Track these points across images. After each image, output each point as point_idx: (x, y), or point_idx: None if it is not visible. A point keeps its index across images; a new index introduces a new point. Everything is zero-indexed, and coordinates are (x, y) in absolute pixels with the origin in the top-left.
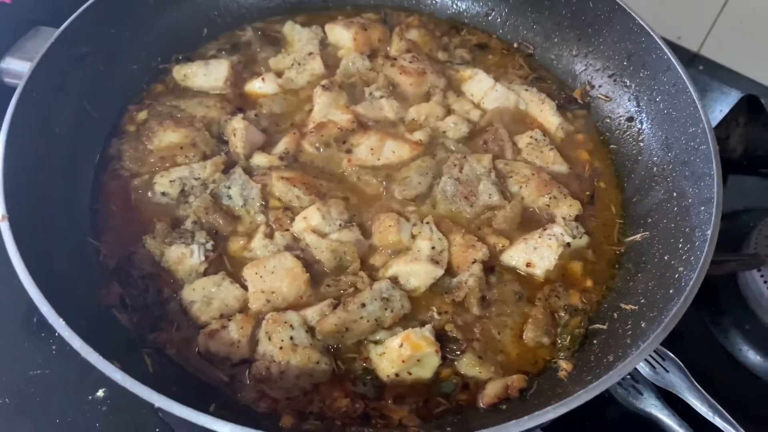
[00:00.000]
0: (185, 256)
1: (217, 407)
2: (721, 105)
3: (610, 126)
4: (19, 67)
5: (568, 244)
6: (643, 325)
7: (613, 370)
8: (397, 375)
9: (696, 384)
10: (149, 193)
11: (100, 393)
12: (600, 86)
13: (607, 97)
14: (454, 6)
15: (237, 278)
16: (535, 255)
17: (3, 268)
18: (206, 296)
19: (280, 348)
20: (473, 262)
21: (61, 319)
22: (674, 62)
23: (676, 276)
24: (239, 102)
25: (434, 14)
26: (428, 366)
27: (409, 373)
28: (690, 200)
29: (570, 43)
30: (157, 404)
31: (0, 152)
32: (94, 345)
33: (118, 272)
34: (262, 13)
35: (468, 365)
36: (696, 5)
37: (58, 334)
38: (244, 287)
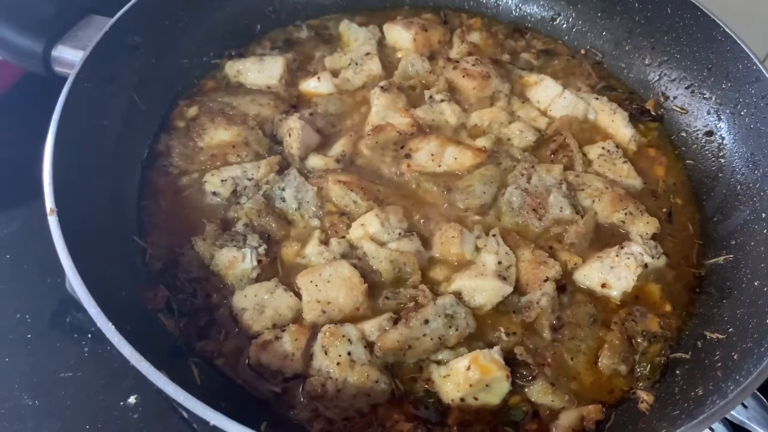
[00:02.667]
0: (236, 260)
1: (269, 426)
2: None
3: (686, 140)
4: (71, 56)
5: (646, 265)
6: (735, 357)
7: (714, 407)
8: (462, 400)
9: None
10: (199, 192)
11: (132, 400)
12: (675, 98)
13: (683, 109)
14: (518, 9)
15: (290, 286)
16: (612, 275)
17: (37, 267)
18: (258, 304)
19: (338, 364)
20: (545, 281)
21: (110, 324)
22: (765, 73)
23: None
24: (293, 101)
25: (496, 17)
26: (497, 392)
27: (476, 399)
28: None
29: (643, 51)
30: (212, 422)
31: (49, 144)
32: (141, 352)
33: (165, 274)
34: (318, 11)
35: (540, 392)
36: (759, 16)
37: (91, 336)
38: (298, 296)
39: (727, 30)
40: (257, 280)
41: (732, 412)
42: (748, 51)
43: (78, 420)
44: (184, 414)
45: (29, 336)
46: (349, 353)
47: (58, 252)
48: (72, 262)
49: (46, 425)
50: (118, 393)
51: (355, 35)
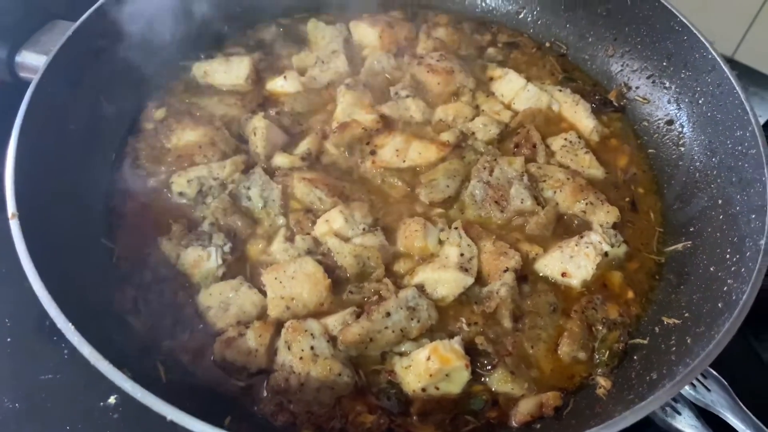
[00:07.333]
0: (202, 259)
1: (233, 420)
2: (759, 111)
3: (648, 129)
4: (35, 61)
5: (606, 254)
6: (688, 341)
7: (660, 390)
8: (423, 390)
9: (741, 404)
10: (166, 193)
11: (112, 400)
12: (637, 88)
13: (644, 99)
14: (483, 3)
15: (256, 283)
16: (572, 264)
17: (16, 270)
18: (223, 302)
19: (300, 358)
20: (505, 271)
21: (70, 324)
22: (719, 62)
23: (725, 289)
24: (260, 100)
25: (463, 12)
26: (457, 381)
27: (437, 388)
28: (738, 208)
29: (605, 42)
30: (169, 417)
31: (12, 148)
32: (105, 351)
33: (132, 275)
34: (286, 10)
35: (500, 381)
36: (730, 10)
37: None
38: (263, 293)
39: (683, 20)
40: (223, 278)
41: (697, 396)
42: (703, 40)
43: (58, 421)
44: None
45: (9, 339)
46: (312, 347)
47: (19, 255)
48: (33, 264)
49: (26, 428)
50: (98, 394)
51: (322, 33)
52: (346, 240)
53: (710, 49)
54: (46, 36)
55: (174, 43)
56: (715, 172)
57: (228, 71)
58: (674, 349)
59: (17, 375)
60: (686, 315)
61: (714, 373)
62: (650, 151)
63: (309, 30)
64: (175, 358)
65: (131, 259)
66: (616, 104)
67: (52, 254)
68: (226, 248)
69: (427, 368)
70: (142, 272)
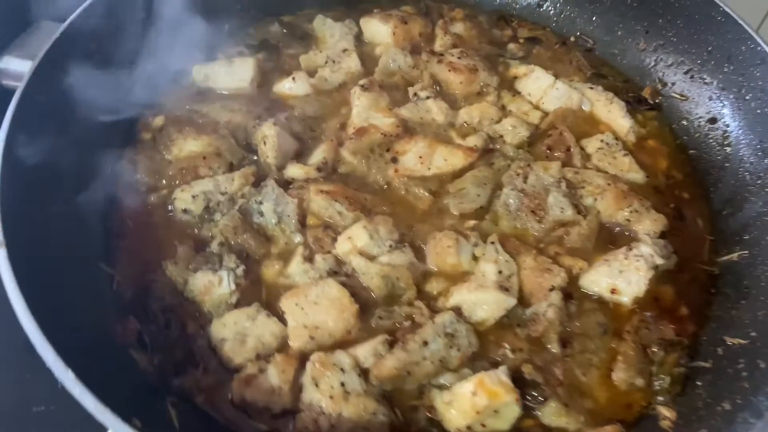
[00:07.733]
0: (213, 285)
1: None
2: None
3: (687, 129)
4: (19, 66)
5: (656, 266)
6: (762, 366)
7: (750, 428)
8: (468, 428)
9: None
10: (169, 211)
11: None
12: (674, 84)
13: (682, 96)
14: None
15: (274, 310)
16: (621, 279)
17: (4, 291)
18: (239, 332)
19: (330, 397)
20: (551, 290)
21: (70, 372)
22: None
23: None
24: (267, 104)
25: (480, 5)
26: (507, 417)
27: (483, 426)
28: None
29: (636, 36)
30: None
31: None
32: (110, 399)
33: (135, 304)
34: (290, 7)
35: (552, 415)
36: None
37: None
38: (283, 321)
39: (726, 9)
40: (237, 305)
41: None
42: (751, 31)
43: None
44: None
45: None
46: (342, 384)
47: (7, 291)
48: (23, 299)
49: None
50: (95, 427)
51: (330, 31)
52: (372, 259)
53: (759, 40)
54: (33, 39)
55: (171, 45)
56: None
57: (231, 74)
58: (745, 374)
59: (7, 407)
60: (753, 334)
61: None
62: (691, 152)
63: (316, 27)
64: (188, 399)
65: (133, 286)
66: (651, 102)
67: (44, 284)
68: (239, 271)
69: (474, 404)
70: (146, 301)
